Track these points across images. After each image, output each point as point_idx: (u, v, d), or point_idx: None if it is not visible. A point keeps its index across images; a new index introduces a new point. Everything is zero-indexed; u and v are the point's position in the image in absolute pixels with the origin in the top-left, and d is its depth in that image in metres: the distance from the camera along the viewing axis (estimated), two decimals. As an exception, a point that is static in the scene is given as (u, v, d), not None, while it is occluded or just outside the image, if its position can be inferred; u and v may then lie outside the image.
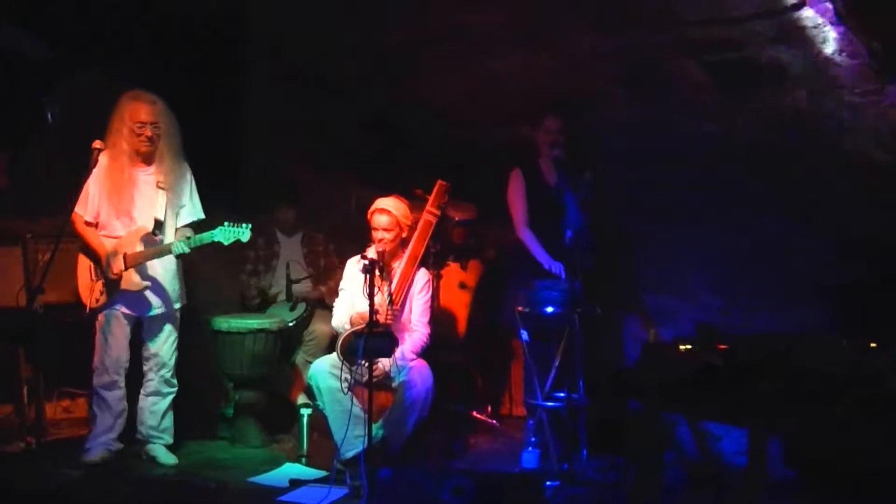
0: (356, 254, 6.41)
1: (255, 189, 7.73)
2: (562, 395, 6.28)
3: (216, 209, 6.70)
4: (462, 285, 7.64)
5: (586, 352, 6.35)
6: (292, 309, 7.35)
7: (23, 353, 6.73)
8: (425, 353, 6.49)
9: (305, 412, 6.61)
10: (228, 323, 6.92)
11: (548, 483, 5.78)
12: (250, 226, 6.13)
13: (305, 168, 8.14)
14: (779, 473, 4.91)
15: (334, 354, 6.28)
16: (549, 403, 6.36)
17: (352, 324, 6.31)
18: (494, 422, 7.48)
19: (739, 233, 6.60)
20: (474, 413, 7.52)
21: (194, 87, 7.43)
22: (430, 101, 7.50)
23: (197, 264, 6.77)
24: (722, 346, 4.58)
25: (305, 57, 7.71)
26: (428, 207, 6.46)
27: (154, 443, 6.42)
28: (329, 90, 7.80)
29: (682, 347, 4.69)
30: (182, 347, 6.51)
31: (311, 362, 6.64)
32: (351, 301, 6.49)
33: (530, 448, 6.39)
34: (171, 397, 6.46)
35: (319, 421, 6.42)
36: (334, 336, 6.63)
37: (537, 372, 6.38)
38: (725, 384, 4.39)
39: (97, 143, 5.86)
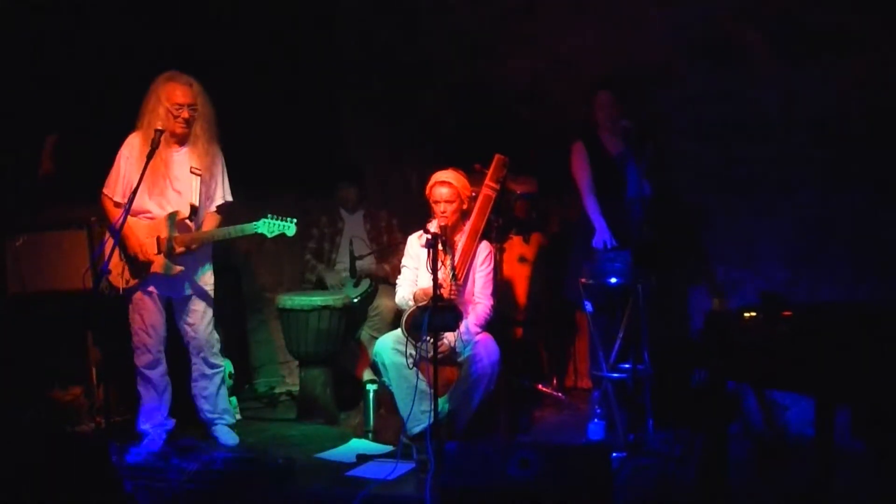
0: (419, 229, 6.44)
1: (320, 169, 7.77)
2: (627, 366, 6.25)
3: (280, 189, 6.78)
4: (524, 259, 7.61)
5: (650, 323, 6.31)
6: (356, 285, 7.37)
7: (91, 335, 6.82)
8: (491, 326, 6.48)
9: (371, 388, 6.63)
10: (293, 300, 6.96)
11: (614, 454, 5.76)
12: (295, 220, 6.13)
13: (368, 146, 8.17)
14: (846, 443, 4.85)
15: (398, 330, 6.29)
16: (615, 375, 6.32)
17: (415, 300, 6.31)
18: (560, 394, 7.47)
19: (810, 205, 6.55)
20: (540, 386, 7.52)
21: (261, 68, 7.54)
22: (497, 79, 7.54)
23: (259, 245, 6.80)
24: (787, 313, 4.53)
25: (374, 36, 7.77)
26: (487, 182, 6.41)
27: (217, 424, 6.48)
28: (394, 69, 7.86)
29: (746, 315, 4.64)
30: (247, 326, 6.53)
31: (376, 338, 6.65)
32: (414, 277, 6.50)
33: (596, 420, 6.36)
34: (218, 378, 6.48)
35: (385, 396, 6.46)
36: (399, 311, 6.63)
37: (602, 343, 6.34)
38: (791, 352, 4.35)
39: (159, 126, 5.87)
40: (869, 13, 6.07)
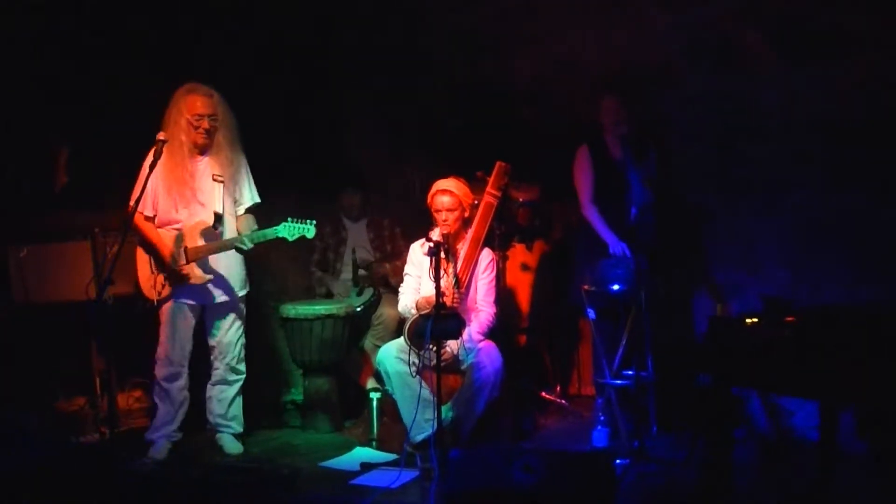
0: (422, 236, 6.43)
1: (321, 175, 7.76)
2: (630, 372, 6.24)
3: (284, 197, 6.76)
4: (527, 266, 7.60)
5: (654, 329, 6.30)
6: (359, 294, 7.36)
7: (95, 345, 6.83)
8: (494, 334, 6.47)
9: (375, 396, 6.64)
10: (296, 310, 6.97)
11: (618, 461, 5.73)
12: (315, 222, 6.14)
13: (369, 148, 8.15)
14: (851, 446, 4.85)
15: (402, 339, 6.29)
16: (618, 381, 6.32)
17: (418, 308, 6.32)
18: (563, 401, 7.43)
19: (810, 205, 6.54)
20: (543, 393, 7.50)
21: (263, 73, 7.53)
22: (499, 79, 7.53)
23: (264, 253, 6.79)
24: (790, 319, 4.52)
25: (377, 40, 7.76)
26: (489, 189, 6.41)
27: (222, 431, 6.48)
28: (395, 70, 7.85)
29: (748, 321, 4.63)
30: (251, 336, 6.54)
31: (379, 346, 6.64)
32: (416, 285, 6.50)
33: (600, 427, 6.34)
34: (237, 385, 6.49)
35: (389, 405, 6.45)
36: (402, 320, 6.63)
37: (605, 350, 6.34)
38: (795, 356, 4.34)
39: (161, 135, 5.80)
40: (869, 13, 6.07)
